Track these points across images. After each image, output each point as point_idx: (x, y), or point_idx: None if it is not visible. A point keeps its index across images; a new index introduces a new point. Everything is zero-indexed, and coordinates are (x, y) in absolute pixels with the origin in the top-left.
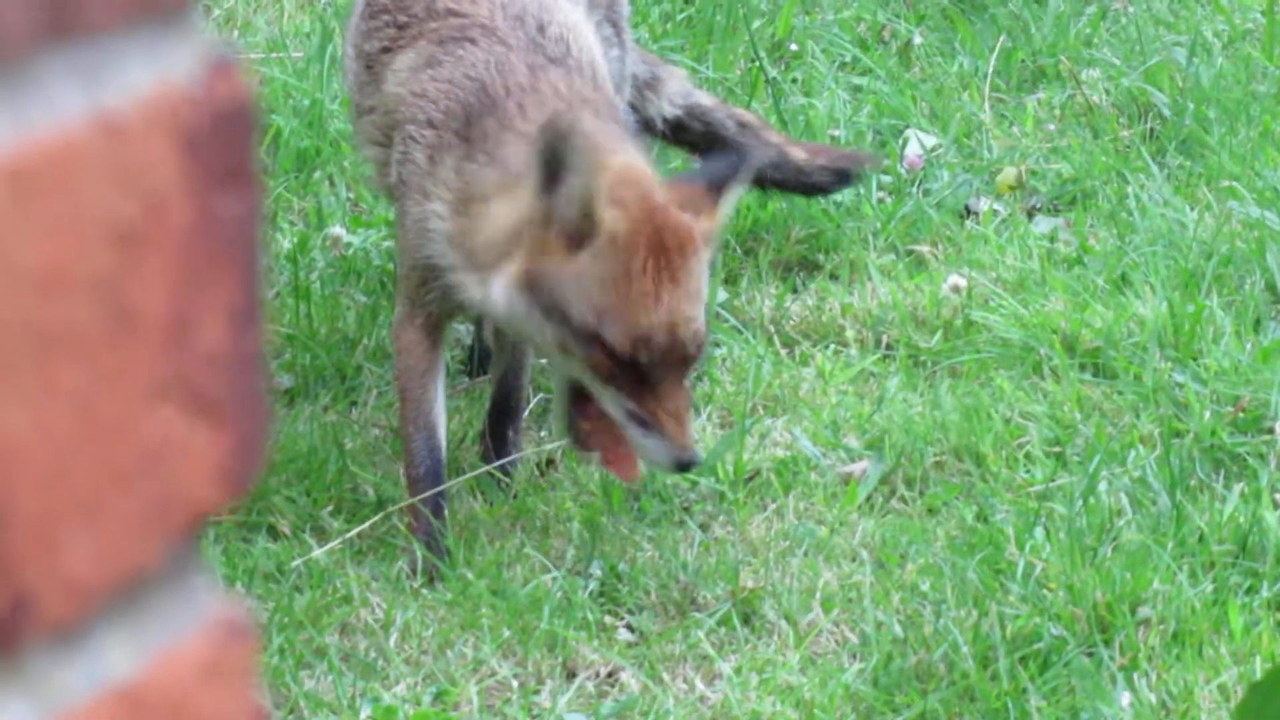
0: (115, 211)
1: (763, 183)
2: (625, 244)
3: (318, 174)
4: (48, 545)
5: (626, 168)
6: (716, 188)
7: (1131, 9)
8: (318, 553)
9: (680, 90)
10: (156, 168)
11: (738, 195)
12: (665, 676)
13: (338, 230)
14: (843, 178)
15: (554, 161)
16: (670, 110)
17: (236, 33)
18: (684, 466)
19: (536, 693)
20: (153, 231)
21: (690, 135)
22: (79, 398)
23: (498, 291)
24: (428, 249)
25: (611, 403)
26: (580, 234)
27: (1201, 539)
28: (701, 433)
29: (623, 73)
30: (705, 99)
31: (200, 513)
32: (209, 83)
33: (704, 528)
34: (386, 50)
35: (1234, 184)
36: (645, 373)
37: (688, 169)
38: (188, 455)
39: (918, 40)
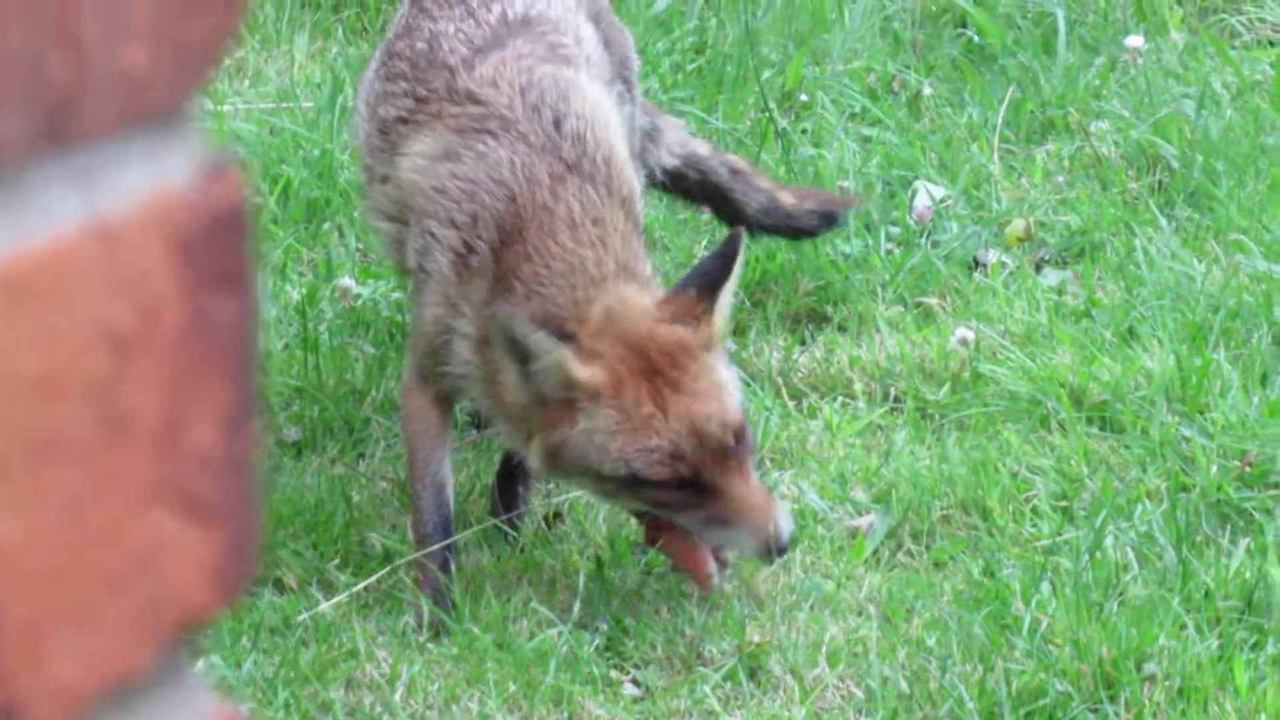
0: (110, 317)
1: (753, 228)
2: (611, 390)
3: (327, 225)
4: (38, 652)
5: (606, 314)
6: (709, 290)
7: (1140, 61)
8: (324, 606)
9: (678, 140)
10: (151, 272)
11: (731, 293)
12: None
13: (347, 281)
14: (829, 220)
15: (517, 351)
16: (669, 160)
17: (247, 82)
18: (778, 552)
19: None
20: (147, 336)
21: (687, 183)
22: (71, 503)
23: (533, 464)
24: (449, 359)
25: (686, 520)
26: (570, 401)
27: (1207, 595)
28: None
29: (633, 126)
30: (701, 147)
31: (192, 616)
32: (204, 186)
33: None
34: (403, 121)
35: (1242, 237)
36: (699, 481)
37: (684, 276)
38: (179, 558)
39: (927, 91)
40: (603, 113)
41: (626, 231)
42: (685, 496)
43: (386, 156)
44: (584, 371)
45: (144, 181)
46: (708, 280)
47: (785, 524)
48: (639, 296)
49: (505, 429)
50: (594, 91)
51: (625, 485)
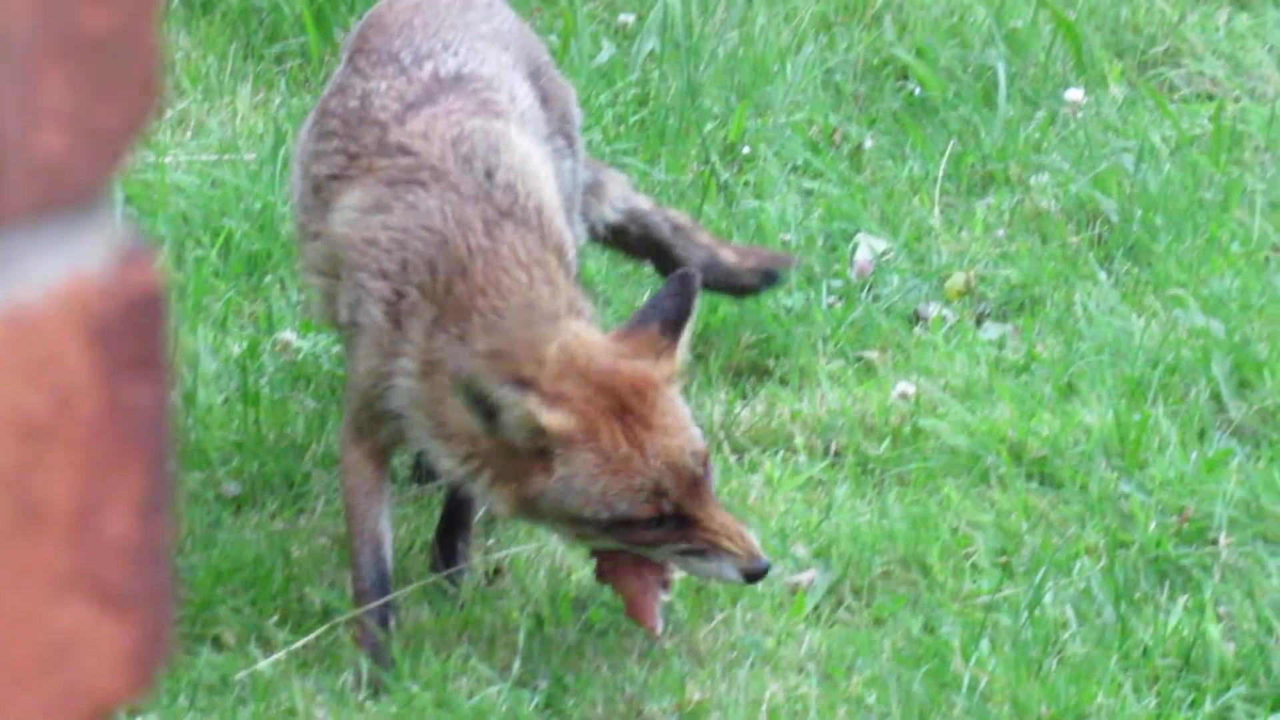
0: (23, 405)
1: None
2: (584, 434)
3: (268, 278)
4: None
5: (564, 352)
6: (672, 326)
7: (1080, 114)
8: (263, 664)
9: (621, 195)
10: (66, 359)
11: (691, 328)
12: None
13: (288, 335)
14: (770, 278)
15: (481, 406)
16: (612, 215)
17: (189, 134)
18: (756, 576)
19: None
20: (60, 423)
21: (629, 238)
22: None
23: (500, 510)
24: (389, 402)
25: (663, 554)
26: (541, 450)
27: (1146, 652)
28: None
29: (575, 182)
30: (643, 202)
31: (106, 705)
32: (120, 272)
33: (651, 639)
34: (335, 178)
35: (1180, 291)
36: (676, 515)
37: (640, 311)
38: (94, 648)
39: (869, 144)
40: (533, 165)
41: (565, 277)
42: (665, 532)
43: (319, 214)
44: (554, 419)
45: (59, 267)
46: (669, 316)
47: (759, 549)
48: (592, 332)
49: (461, 473)
50: (525, 145)
51: (606, 527)
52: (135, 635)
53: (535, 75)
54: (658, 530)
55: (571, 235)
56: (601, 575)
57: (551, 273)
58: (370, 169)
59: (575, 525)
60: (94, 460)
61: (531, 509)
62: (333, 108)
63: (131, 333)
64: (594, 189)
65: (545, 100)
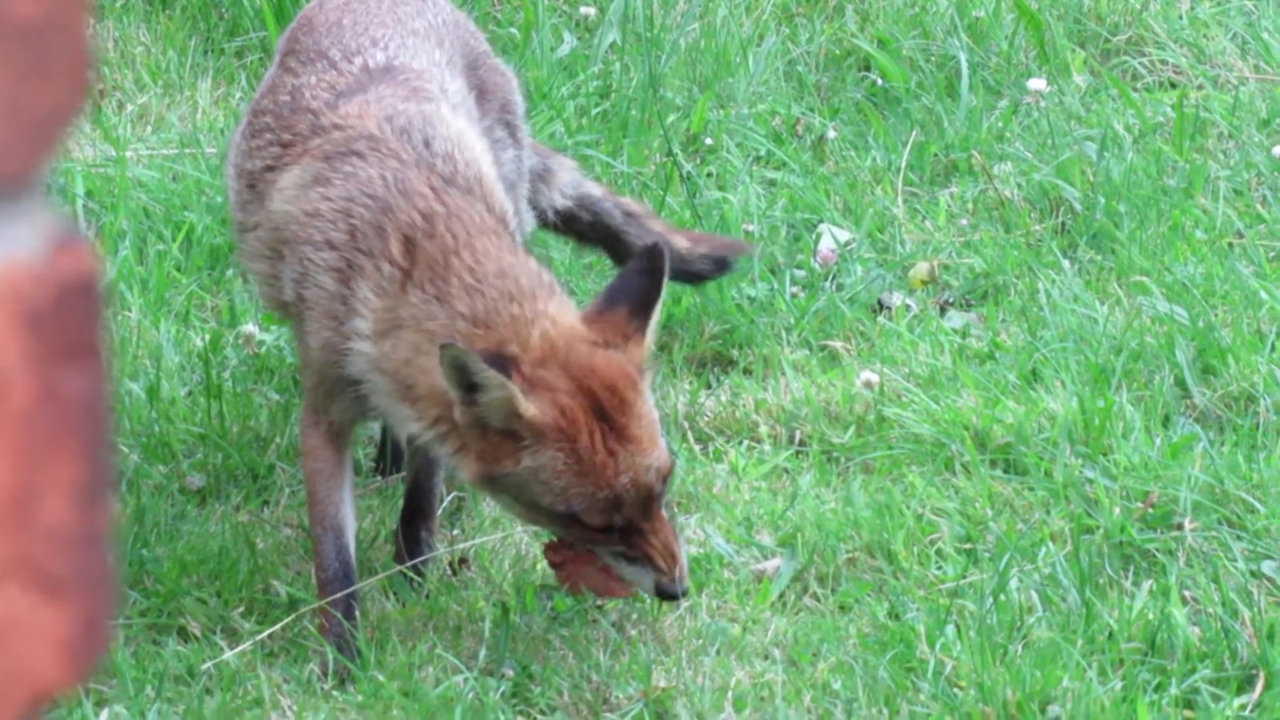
0: None
1: None
2: (563, 430)
3: (230, 271)
4: None
5: (545, 339)
6: (640, 309)
7: (1043, 103)
8: (228, 655)
9: (571, 181)
10: None
11: (660, 310)
12: None
13: (250, 328)
14: (722, 265)
15: (463, 379)
16: (561, 202)
17: (150, 129)
18: (670, 596)
19: None
20: None
21: (580, 225)
22: None
23: (463, 476)
24: (345, 368)
25: (599, 550)
26: (515, 433)
27: (1111, 636)
28: None
29: (520, 170)
30: (594, 189)
31: (44, 692)
32: (54, 259)
33: (617, 627)
34: (270, 169)
35: (1144, 279)
36: (624, 527)
37: (608, 289)
38: (31, 634)
39: (832, 134)
40: (469, 140)
41: (523, 249)
42: (608, 536)
43: (256, 207)
44: (533, 409)
45: None
46: (637, 298)
47: (685, 572)
48: (567, 314)
49: (427, 436)
50: (459, 123)
51: (555, 520)
52: (73, 622)
53: (473, 66)
54: (602, 534)
55: (513, 210)
56: (554, 565)
57: (510, 243)
58: (305, 151)
59: (531, 509)
60: (29, 447)
61: (492, 483)
62: (264, 106)
63: (65, 320)
64: (543, 175)
65: (484, 91)
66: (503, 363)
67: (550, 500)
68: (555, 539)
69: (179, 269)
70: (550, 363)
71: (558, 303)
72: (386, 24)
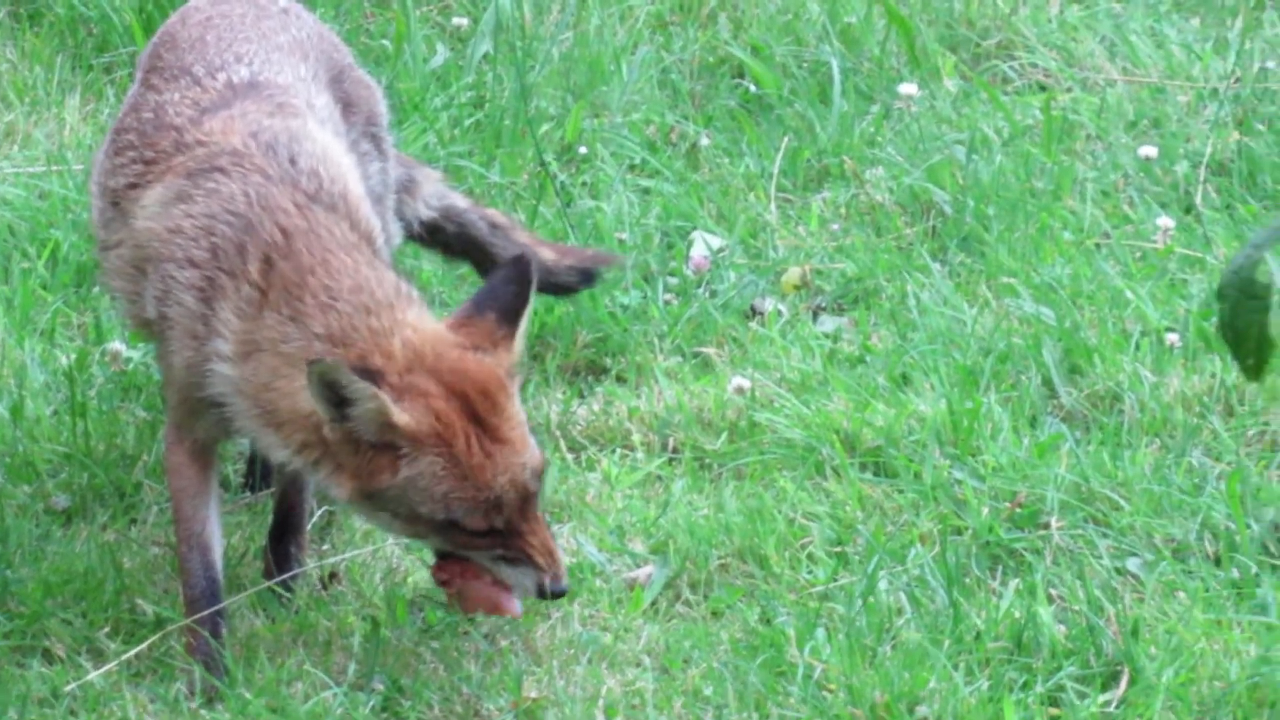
0: None
1: None
2: (437, 436)
3: (97, 289)
4: None
5: (408, 346)
6: (509, 315)
7: (914, 108)
8: (94, 675)
9: (435, 192)
10: None
11: (528, 316)
12: None
13: (117, 345)
14: (588, 277)
15: (333, 395)
16: (426, 213)
17: (16, 147)
18: (554, 595)
19: None
20: None
21: (445, 236)
22: None
23: (339, 496)
24: (207, 389)
25: (479, 556)
26: (390, 445)
27: (978, 636)
28: None
29: (386, 183)
30: (459, 200)
31: None
32: None
33: (488, 638)
34: (133, 186)
35: (1012, 280)
36: (503, 525)
37: (475, 297)
38: None
39: (705, 141)
40: (335, 155)
41: (383, 263)
42: (488, 540)
43: (119, 224)
44: (406, 416)
45: None
46: (506, 305)
47: (565, 570)
48: (427, 320)
49: (297, 462)
50: (324, 138)
51: (435, 529)
52: None
53: (337, 80)
54: (483, 538)
55: (380, 225)
56: (441, 583)
57: (371, 258)
58: (169, 169)
59: (410, 521)
60: None
61: (369, 499)
62: (128, 124)
63: None
64: (407, 186)
65: (349, 103)
66: (369, 375)
67: (430, 508)
68: (441, 558)
69: (45, 287)
70: (417, 369)
71: (417, 311)
72: (251, 39)
